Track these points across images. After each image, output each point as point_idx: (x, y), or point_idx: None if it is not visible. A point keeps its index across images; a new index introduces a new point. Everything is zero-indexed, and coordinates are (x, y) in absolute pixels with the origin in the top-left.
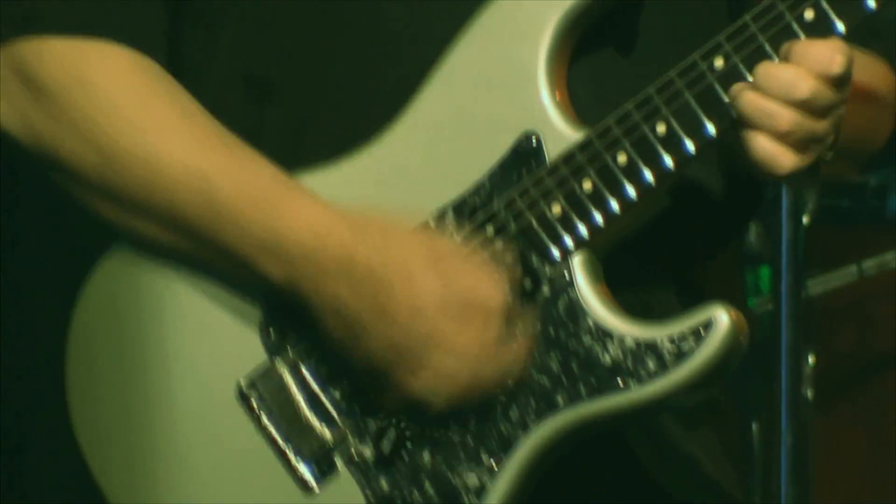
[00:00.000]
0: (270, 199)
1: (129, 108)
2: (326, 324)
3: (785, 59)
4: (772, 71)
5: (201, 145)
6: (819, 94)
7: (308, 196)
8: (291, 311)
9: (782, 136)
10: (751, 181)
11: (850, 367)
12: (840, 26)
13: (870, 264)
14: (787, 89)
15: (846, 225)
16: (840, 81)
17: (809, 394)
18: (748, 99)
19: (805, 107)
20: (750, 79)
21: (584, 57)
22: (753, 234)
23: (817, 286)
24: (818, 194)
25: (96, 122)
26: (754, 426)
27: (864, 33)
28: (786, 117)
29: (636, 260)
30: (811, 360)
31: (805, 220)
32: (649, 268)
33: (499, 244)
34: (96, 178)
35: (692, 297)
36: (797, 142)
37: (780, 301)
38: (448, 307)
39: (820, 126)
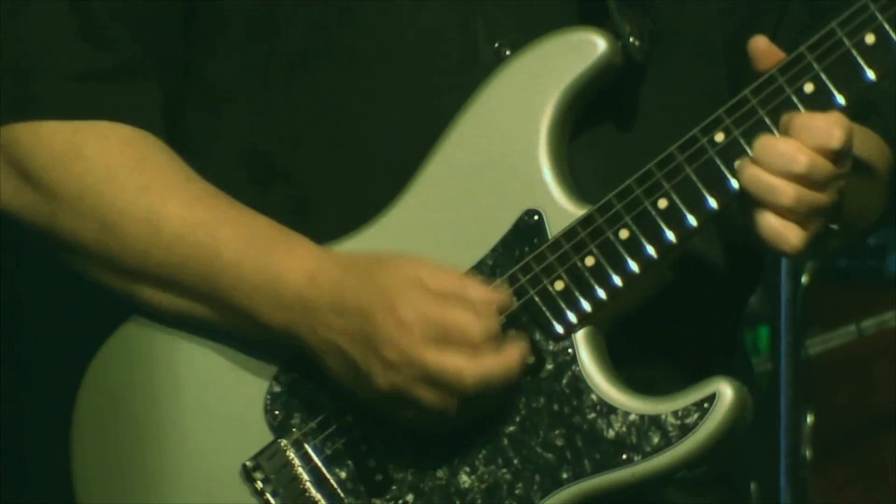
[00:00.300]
0: (267, 246)
1: (126, 173)
2: (327, 362)
3: (785, 132)
4: (771, 144)
5: (201, 200)
6: (818, 167)
7: (302, 240)
8: (296, 393)
9: (786, 212)
10: (752, 252)
11: (850, 426)
12: (840, 99)
13: (869, 324)
14: (786, 163)
15: (845, 284)
16: (839, 155)
17: (808, 453)
18: (750, 174)
19: (805, 180)
20: (751, 153)
21: (585, 132)
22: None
23: (816, 345)
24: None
25: (93, 191)
26: (752, 486)
27: (862, 108)
28: (788, 192)
29: (640, 334)
30: (810, 419)
31: (804, 279)
32: (653, 342)
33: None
34: (95, 247)
35: (697, 370)
36: (802, 216)
37: (780, 360)
38: (429, 336)
39: (822, 198)
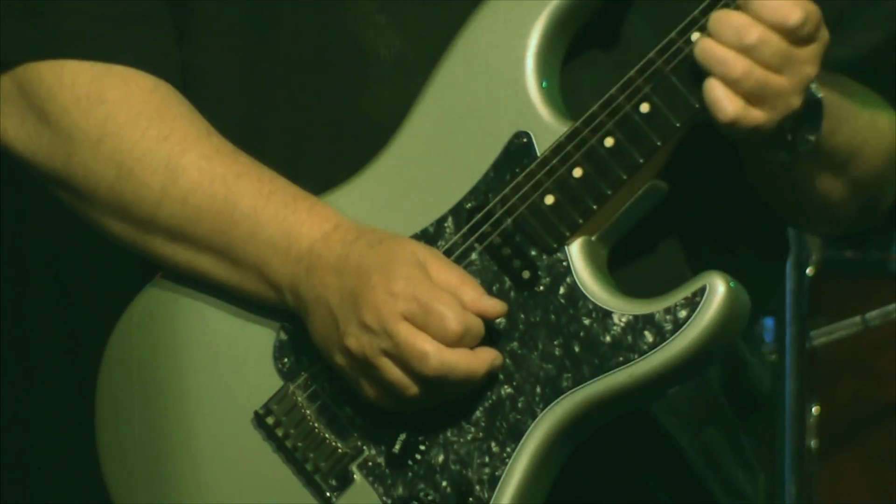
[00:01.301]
0: (286, 201)
1: (148, 121)
2: (313, 320)
3: (744, 7)
4: (725, 16)
5: (221, 154)
6: (770, 42)
7: (320, 202)
8: (302, 339)
9: (733, 83)
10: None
11: (854, 417)
12: None
13: (874, 315)
14: (737, 35)
15: (850, 276)
16: (796, 35)
17: (813, 444)
18: (702, 46)
19: (756, 55)
20: None
21: (586, 54)
22: None
23: (821, 337)
24: (822, 245)
25: (114, 136)
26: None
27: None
28: (737, 64)
29: (641, 253)
30: (815, 410)
31: (809, 271)
32: (655, 260)
33: (481, 254)
34: (109, 193)
35: None
36: (749, 92)
37: (785, 352)
38: (409, 313)
39: (775, 80)
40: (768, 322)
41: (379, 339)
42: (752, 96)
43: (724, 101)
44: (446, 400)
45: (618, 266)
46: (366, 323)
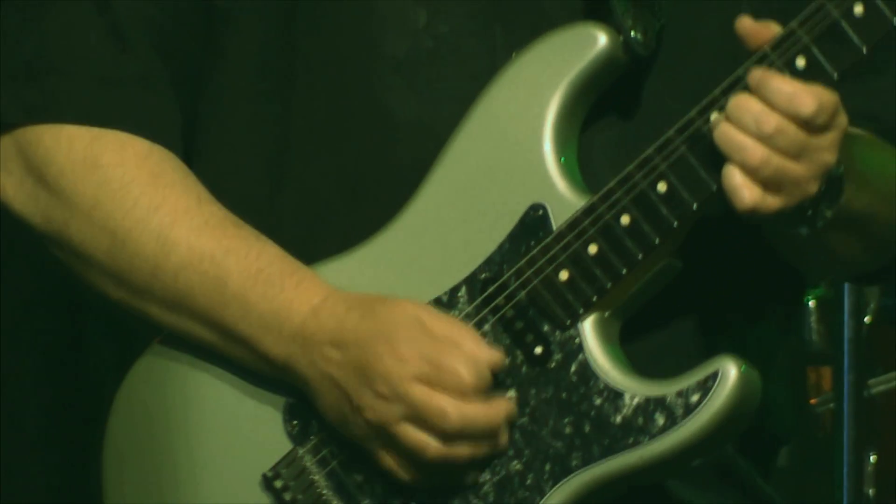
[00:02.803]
0: (273, 280)
1: (141, 188)
2: (322, 396)
3: (757, 91)
4: (742, 103)
5: (210, 227)
6: (787, 132)
7: (309, 274)
8: (312, 405)
9: (751, 171)
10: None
11: None
12: (832, 72)
13: None
14: (755, 123)
15: None
16: (811, 124)
17: (871, 493)
18: (721, 131)
19: (773, 143)
20: None
21: (602, 128)
22: (816, 333)
23: (879, 385)
24: (880, 294)
25: (107, 203)
26: None
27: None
28: (755, 152)
29: (653, 328)
30: (873, 458)
31: (867, 319)
32: (667, 336)
33: (494, 326)
34: (105, 260)
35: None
36: (767, 179)
37: (842, 400)
38: (421, 374)
39: (793, 168)
40: (826, 371)
41: (395, 405)
42: (771, 184)
43: (743, 190)
44: (468, 459)
45: (629, 333)
46: (379, 392)
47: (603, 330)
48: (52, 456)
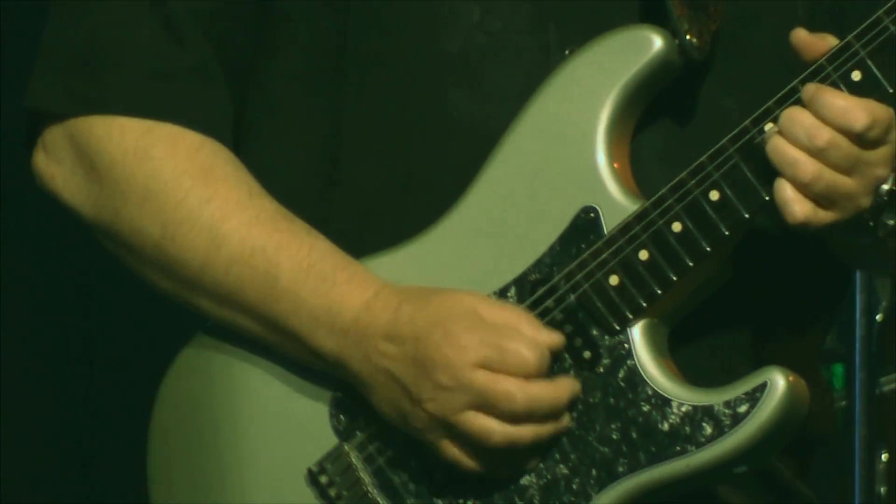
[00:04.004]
0: (325, 275)
1: (192, 181)
2: (377, 391)
3: (810, 105)
4: (795, 116)
5: (261, 221)
6: (839, 146)
7: (361, 269)
8: (359, 397)
9: (803, 187)
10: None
11: None
12: (887, 86)
13: None
14: (807, 136)
15: None
16: (863, 139)
17: (883, 490)
18: (773, 145)
19: (825, 157)
20: None
21: (653, 130)
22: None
23: (891, 383)
24: (892, 292)
25: (159, 194)
26: None
27: None
28: (807, 167)
29: (703, 332)
30: (884, 456)
31: (879, 317)
32: (717, 341)
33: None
34: (155, 251)
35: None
36: (818, 194)
37: (854, 398)
38: (484, 359)
39: (845, 183)
40: (838, 368)
41: (458, 394)
42: (822, 198)
43: (794, 204)
44: (531, 442)
45: (675, 338)
46: (441, 384)
47: (652, 336)
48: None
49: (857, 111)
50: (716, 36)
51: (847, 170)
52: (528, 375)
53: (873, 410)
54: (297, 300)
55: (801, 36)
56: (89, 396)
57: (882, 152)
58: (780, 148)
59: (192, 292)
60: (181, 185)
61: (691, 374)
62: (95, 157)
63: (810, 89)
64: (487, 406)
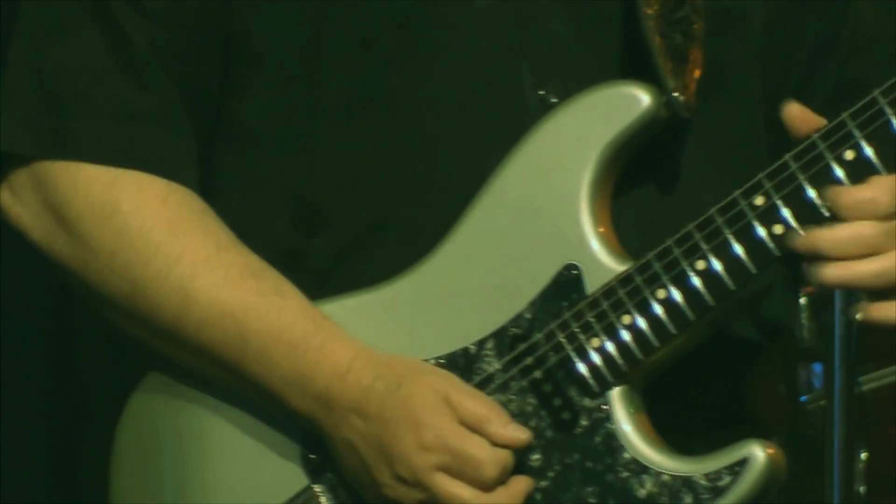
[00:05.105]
0: (295, 342)
1: (161, 237)
2: (343, 457)
3: (833, 209)
4: (829, 235)
5: (230, 281)
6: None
7: (334, 334)
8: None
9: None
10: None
11: None
12: (880, 167)
13: None
14: (857, 244)
15: None
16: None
17: (862, 490)
18: (823, 273)
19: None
20: (787, 215)
21: (626, 182)
22: (807, 330)
23: (870, 382)
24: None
25: (127, 251)
26: None
27: None
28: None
29: (679, 388)
30: (864, 455)
31: (858, 316)
32: (692, 397)
33: (522, 389)
34: (125, 304)
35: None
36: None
37: (833, 397)
38: (443, 465)
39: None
40: (816, 367)
41: (415, 491)
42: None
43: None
44: None
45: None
46: (400, 475)
47: (631, 399)
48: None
49: (883, 196)
50: (699, 86)
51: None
52: (485, 487)
53: (852, 409)
54: (269, 364)
55: (794, 111)
56: (77, 398)
57: None
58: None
59: (164, 343)
60: (151, 241)
61: (665, 427)
62: (62, 209)
63: (833, 197)
64: None
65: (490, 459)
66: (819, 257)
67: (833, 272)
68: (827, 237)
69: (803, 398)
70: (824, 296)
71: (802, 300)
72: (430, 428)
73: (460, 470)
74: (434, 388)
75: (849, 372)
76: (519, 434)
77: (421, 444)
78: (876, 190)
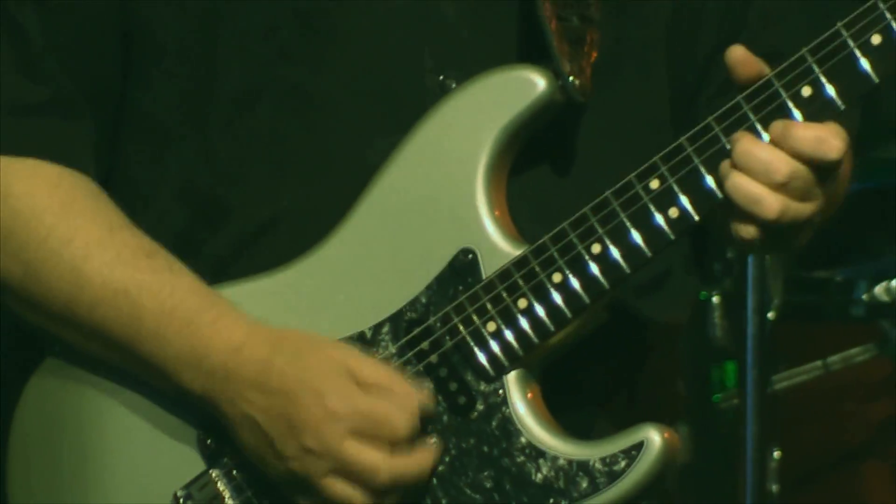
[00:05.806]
0: (189, 317)
1: (53, 219)
2: (241, 434)
3: (778, 141)
4: (752, 151)
5: (123, 260)
6: (799, 175)
7: (227, 309)
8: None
9: (768, 224)
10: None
11: (816, 461)
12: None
13: (835, 359)
14: (766, 171)
15: (811, 320)
16: (833, 165)
17: (775, 489)
18: (733, 183)
19: (787, 190)
20: (682, 199)
21: (522, 166)
22: (719, 329)
23: (783, 381)
24: (783, 290)
25: (20, 233)
26: None
27: None
28: (774, 204)
29: (575, 372)
30: (776, 454)
31: (771, 315)
32: (588, 380)
33: (418, 373)
34: (20, 288)
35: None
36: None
37: (746, 396)
38: (355, 428)
39: (805, 208)
40: (730, 366)
41: (324, 460)
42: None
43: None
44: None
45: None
46: (307, 447)
47: (527, 382)
48: None
49: (832, 140)
50: (595, 70)
51: (803, 198)
52: (397, 444)
53: (765, 408)
54: (162, 342)
55: (736, 53)
56: None
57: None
58: (741, 187)
59: (59, 326)
60: (42, 223)
61: (561, 412)
62: None
63: (778, 125)
64: (351, 475)
65: (402, 416)
66: (747, 170)
67: (745, 184)
68: (764, 152)
69: (716, 398)
70: (737, 295)
71: (715, 299)
72: (336, 395)
73: (374, 431)
74: (333, 357)
75: (762, 371)
76: (424, 396)
77: (328, 412)
78: (826, 132)
